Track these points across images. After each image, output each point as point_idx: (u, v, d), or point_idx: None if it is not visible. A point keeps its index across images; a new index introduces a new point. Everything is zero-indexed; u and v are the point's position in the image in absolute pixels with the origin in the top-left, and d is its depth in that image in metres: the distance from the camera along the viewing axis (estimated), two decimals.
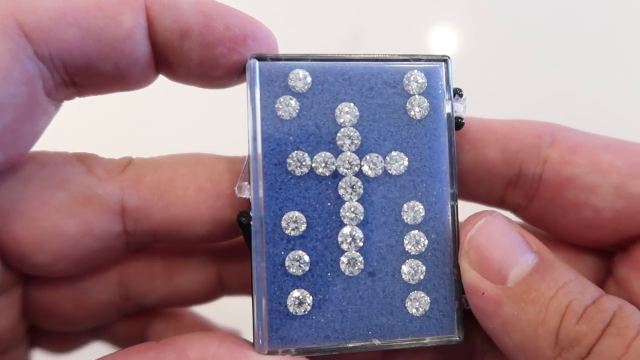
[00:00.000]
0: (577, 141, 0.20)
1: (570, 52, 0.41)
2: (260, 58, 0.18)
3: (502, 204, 0.22)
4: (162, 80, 0.19)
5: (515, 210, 0.22)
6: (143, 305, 0.23)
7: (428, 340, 0.19)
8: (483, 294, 0.18)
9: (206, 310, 0.25)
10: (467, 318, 0.19)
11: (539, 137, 0.20)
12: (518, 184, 0.21)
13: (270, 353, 0.18)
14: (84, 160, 0.20)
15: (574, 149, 0.20)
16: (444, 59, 0.19)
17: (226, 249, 0.23)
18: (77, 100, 0.19)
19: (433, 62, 0.19)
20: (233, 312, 0.23)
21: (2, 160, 0.17)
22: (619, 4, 0.42)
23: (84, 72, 0.17)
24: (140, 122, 0.36)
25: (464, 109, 0.20)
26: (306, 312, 0.18)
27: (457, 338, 0.19)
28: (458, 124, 0.20)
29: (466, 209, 0.20)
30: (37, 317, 0.22)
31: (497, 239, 0.18)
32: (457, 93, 0.20)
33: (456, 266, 0.19)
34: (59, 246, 0.19)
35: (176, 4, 0.17)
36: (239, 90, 0.20)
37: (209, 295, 0.24)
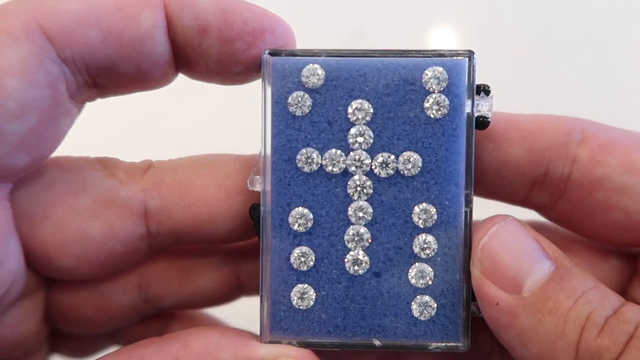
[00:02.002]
0: (608, 139, 0.19)
1: (573, 50, 0.39)
2: (275, 53, 0.18)
3: (526, 203, 0.21)
4: (176, 81, 0.19)
5: (540, 209, 0.21)
6: (162, 308, 0.23)
7: (432, 346, 0.19)
8: (497, 304, 0.17)
9: (224, 312, 0.25)
10: (480, 326, 0.19)
11: (567, 134, 0.19)
12: (544, 184, 0.20)
13: (272, 342, 0.19)
14: (106, 164, 0.20)
15: (605, 147, 0.19)
16: (468, 54, 0.18)
17: (243, 249, 0.23)
18: (89, 105, 0.19)
19: (456, 57, 0.18)
20: (252, 312, 0.23)
21: (27, 162, 0.17)
22: (620, 7, 0.41)
23: (105, 73, 0.17)
24: (156, 124, 0.36)
25: (490, 108, 0.19)
26: (309, 307, 0.19)
27: (463, 346, 0.19)
28: (483, 123, 0.19)
29: (484, 207, 0.20)
30: (58, 321, 0.22)
31: (511, 246, 0.17)
32: (484, 90, 0.19)
33: (466, 273, 0.18)
34: (84, 249, 0.19)
35: (194, 1, 0.17)
36: (258, 88, 0.20)
37: (227, 296, 0.24)
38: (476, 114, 0.19)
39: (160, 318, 0.24)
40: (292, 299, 0.19)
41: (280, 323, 0.19)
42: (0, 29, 0.15)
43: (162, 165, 0.20)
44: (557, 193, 0.20)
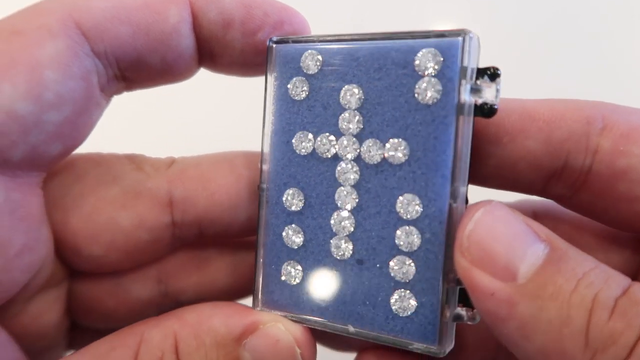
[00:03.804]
0: (632, 126, 0.17)
1: (572, 48, 0.40)
2: (279, 41, 0.19)
3: (543, 193, 0.19)
4: (187, 84, 0.21)
5: (558, 199, 0.19)
6: (181, 302, 0.23)
7: (406, 344, 0.18)
8: (493, 294, 0.15)
9: None
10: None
11: (587, 123, 0.17)
12: (563, 176, 0.18)
13: (263, 311, 0.20)
14: (134, 159, 0.21)
15: (629, 135, 0.16)
16: (463, 33, 0.16)
17: None
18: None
19: (451, 38, 0.17)
20: None
21: (60, 151, 0.18)
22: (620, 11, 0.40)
23: (134, 66, 0.19)
24: (165, 120, 0.39)
25: (496, 93, 0.17)
26: (296, 283, 0.19)
27: (438, 351, 0.17)
28: (489, 110, 0.17)
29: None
30: (79, 313, 0.23)
31: (499, 231, 0.16)
32: (490, 74, 0.17)
33: (448, 273, 0.17)
34: (113, 238, 0.20)
35: None
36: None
37: (245, 290, 0.24)
38: (480, 101, 0.17)
39: None
40: (282, 274, 0.20)
41: (272, 295, 0.20)
42: (40, 25, 0.17)
43: (185, 160, 0.22)
44: (576, 184, 0.18)
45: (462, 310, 0.17)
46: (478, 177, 0.19)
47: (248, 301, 0.25)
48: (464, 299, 0.17)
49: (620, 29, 0.40)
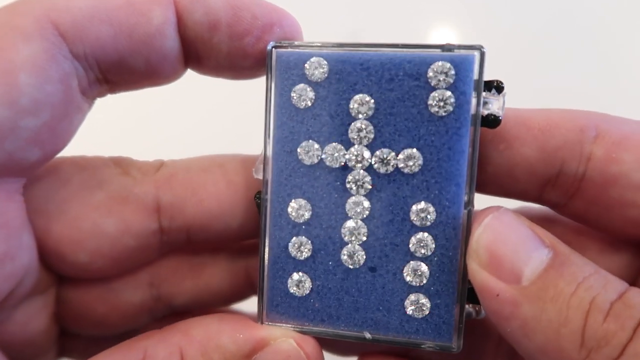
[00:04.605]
0: (623, 134, 0.18)
1: (572, 49, 0.40)
2: (279, 46, 0.19)
3: (538, 200, 0.20)
4: (177, 84, 0.20)
5: (552, 206, 0.20)
6: (174, 307, 0.23)
7: (425, 345, 0.19)
8: (497, 295, 0.16)
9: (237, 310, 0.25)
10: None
11: (581, 131, 0.18)
12: (557, 183, 0.19)
13: (269, 325, 0.19)
14: (120, 163, 0.21)
15: (621, 143, 0.18)
16: (478, 49, 0.17)
17: (253, 247, 0.23)
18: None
19: (464, 52, 0.17)
20: None
21: (40, 157, 0.17)
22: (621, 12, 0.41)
23: (116, 69, 0.18)
24: (158, 122, 0.37)
25: (502, 106, 0.18)
26: (305, 295, 0.19)
27: (455, 347, 0.18)
28: (494, 121, 0.18)
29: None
30: (69, 320, 0.22)
31: (506, 236, 0.17)
32: (496, 87, 0.18)
33: (463, 274, 0.18)
34: (98, 244, 0.19)
35: None
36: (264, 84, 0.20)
37: (239, 294, 0.23)
38: (486, 112, 0.18)
39: (172, 319, 0.23)
40: (289, 286, 0.19)
41: (277, 308, 0.19)
42: (14, 27, 0.16)
43: (174, 163, 0.21)
44: (571, 191, 0.19)
45: (470, 308, 0.19)
46: (477, 183, 0.20)
47: (243, 305, 0.25)
48: (471, 297, 0.18)
49: (618, 36, 0.41)
